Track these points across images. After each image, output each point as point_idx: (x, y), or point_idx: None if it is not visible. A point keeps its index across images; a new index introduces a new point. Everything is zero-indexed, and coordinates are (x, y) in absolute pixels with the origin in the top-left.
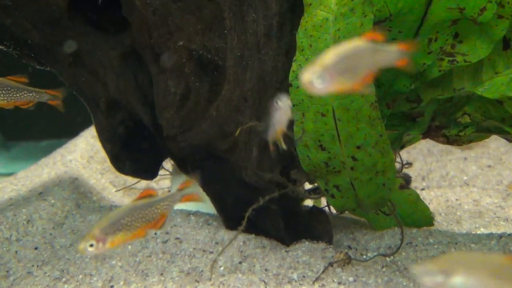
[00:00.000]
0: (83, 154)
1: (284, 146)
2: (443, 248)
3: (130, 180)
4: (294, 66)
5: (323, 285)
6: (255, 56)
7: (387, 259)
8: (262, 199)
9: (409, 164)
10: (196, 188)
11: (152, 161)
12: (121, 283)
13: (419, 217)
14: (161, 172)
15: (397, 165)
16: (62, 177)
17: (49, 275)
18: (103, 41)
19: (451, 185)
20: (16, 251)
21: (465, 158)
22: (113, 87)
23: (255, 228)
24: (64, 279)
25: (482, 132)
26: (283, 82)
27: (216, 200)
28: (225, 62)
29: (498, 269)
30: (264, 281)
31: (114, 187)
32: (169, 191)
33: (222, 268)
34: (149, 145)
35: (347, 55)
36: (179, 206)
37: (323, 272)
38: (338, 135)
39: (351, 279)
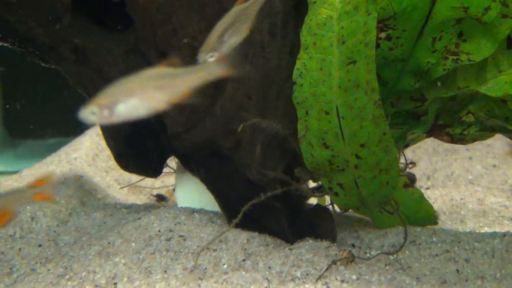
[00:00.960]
0: (88, 152)
1: None
2: (446, 246)
3: (135, 178)
4: (298, 64)
5: (326, 283)
6: (259, 54)
7: (391, 257)
8: (264, 195)
9: (413, 163)
10: (50, 188)
11: (156, 159)
12: (125, 280)
13: (423, 215)
14: (165, 170)
15: (402, 164)
16: (67, 175)
17: (52, 272)
18: (107, 38)
19: (456, 184)
20: (20, 248)
21: (470, 158)
22: None
23: (258, 226)
24: (67, 276)
25: (486, 131)
26: (287, 80)
27: (220, 197)
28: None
29: (156, 79)
30: (267, 278)
31: (119, 185)
32: (174, 189)
33: (225, 266)
34: (153, 143)
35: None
36: (184, 203)
37: (326, 270)
38: (342, 133)
39: (354, 277)
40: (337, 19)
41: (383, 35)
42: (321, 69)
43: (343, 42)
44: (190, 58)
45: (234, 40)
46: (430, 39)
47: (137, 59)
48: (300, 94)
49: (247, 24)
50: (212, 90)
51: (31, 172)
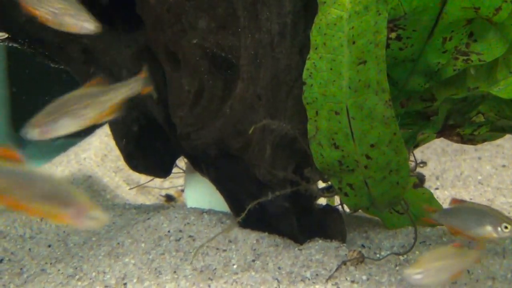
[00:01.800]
0: (97, 153)
1: None
2: None
3: (144, 178)
4: (308, 65)
5: (336, 283)
6: (269, 54)
7: (401, 258)
8: (272, 194)
9: (424, 163)
10: None
11: (166, 159)
12: (134, 280)
13: None
14: (174, 170)
15: (411, 164)
16: (76, 175)
17: (62, 273)
18: (116, 39)
19: (465, 184)
20: (29, 249)
21: (479, 158)
22: None
23: (268, 226)
24: (77, 277)
25: (497, 131)
26: (296, 81)
27: (229, 198)
28: (239, 60)
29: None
30: (277, 279)
31: (128, 185)
32: (183, 190)
33: (235, 266)
34: (162, 144)
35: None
36: (193, 204)
37: (336, 270)
38: (352, 133)
39: (364, 277)
40: (347, 19)
41: (393, 35)
42: (331, 69)
43: (353, 42)
44: (200, 58)
45: (67, 122)
46: (440, 40)
47: (147, 59)
48: (310, 94)
49: (94, 110)
50: (221, 91)
51: None
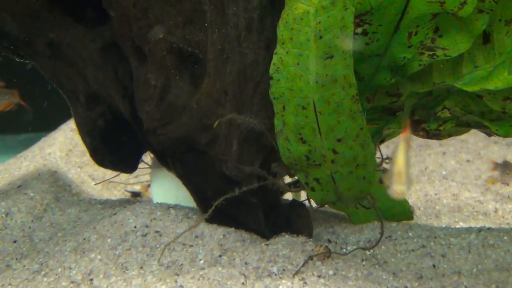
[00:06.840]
0: (62, 148)
1: None
2: (422, 242)
3: (109, 173)
4: (275, 59)
5: (303, 278)
6: (236, 49)
7: (367, 252)
8: (239, 190)
9: (389, 158)
10: None
11: (132, 154)
12: (101, 276)
13: (399, 211)
14: (140, 165)
15: (377, 160)
16: (41, 170)
17: (28, 268)
18: (83, 33)
19: (430, 179)
20: None
21: (444, 153)
22: (93, 80)
23: (235, 221)
24: (43, 272)
25: (462, 126)
26: (263, 76)
27: (196, 193)
28: (206, 55)
29: None
30: (244, 274)
31: (93, 181)
32: (149, 185)
33: (201, 262)
34: (128, 138)
35: None
36: (159, 199)
37: (303, 265)
38: (319, 128)
39: (331, 272)
40: (314, 14)
41: (359, 30)
42: (298, 64)
43: (320, 37)
44: (166, 53)
45: None
46: (406, 34)
47: (113, 54)
48: (276, 89)
49: None
50: (188, 86)
51: (5, 167)
